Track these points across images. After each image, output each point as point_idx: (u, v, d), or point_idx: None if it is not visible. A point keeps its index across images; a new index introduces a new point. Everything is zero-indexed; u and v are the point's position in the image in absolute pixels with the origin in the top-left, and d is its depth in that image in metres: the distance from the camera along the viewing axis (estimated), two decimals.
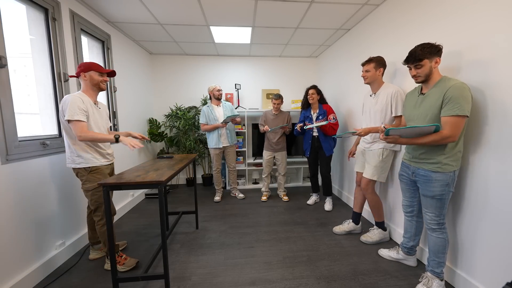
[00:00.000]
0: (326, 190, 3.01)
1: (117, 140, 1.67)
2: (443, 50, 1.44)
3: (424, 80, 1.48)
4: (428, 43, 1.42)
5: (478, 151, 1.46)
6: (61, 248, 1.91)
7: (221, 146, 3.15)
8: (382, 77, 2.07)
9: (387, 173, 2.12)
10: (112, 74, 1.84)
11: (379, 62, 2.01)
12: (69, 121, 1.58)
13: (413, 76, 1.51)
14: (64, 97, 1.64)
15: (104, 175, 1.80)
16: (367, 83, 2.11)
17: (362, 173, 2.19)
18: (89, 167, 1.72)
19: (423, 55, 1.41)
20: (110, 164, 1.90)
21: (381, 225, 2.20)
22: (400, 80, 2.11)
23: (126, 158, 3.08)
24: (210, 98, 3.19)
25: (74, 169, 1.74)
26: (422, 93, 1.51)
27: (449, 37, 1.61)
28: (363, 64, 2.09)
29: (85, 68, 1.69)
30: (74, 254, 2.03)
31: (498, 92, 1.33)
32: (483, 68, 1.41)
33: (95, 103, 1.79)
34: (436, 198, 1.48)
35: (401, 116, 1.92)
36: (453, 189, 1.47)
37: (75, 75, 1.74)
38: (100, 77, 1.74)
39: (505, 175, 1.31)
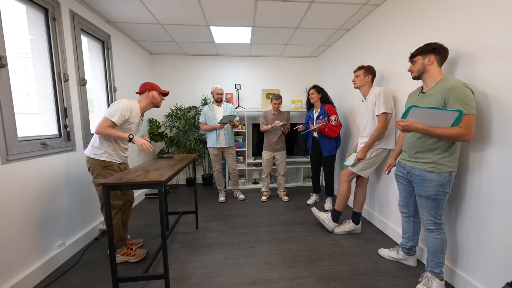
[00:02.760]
0: (328, 190, 3.02)
1: (130, 139, 1.77)
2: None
3: (418, 76, 1.53)
4: (430, 42, 1.47)
5: (479, 151, 1.45)
6: (61, 248, 1.90)
7: (219, 146, 3.15)
8: (372, 83, 2.22)
9: (370, 170, 2.22)
10: (166, 94, 2.05)
11: (368, 70, 2.18)
12: (105, 117, 1.71)
13: (409, 71, 1.57)
14: (121, 99, 1.82)
15: (117, 172, 1.86)
16: (356, 87, 2.25)
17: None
18: (104, 161, 1.80)
19: (417, 51, 1.50)
20: (123, 163, 1.98)
21: (355, 217, 2.35)
22: (398, 81, 2.11)
23: None
24: (213, 98, 3.19)
25: (88, 160, 1.81)
26: (423, 92, 1.52)
27: (449, 36, 1.61)
28: (354, 71, 2.25)
29: (150, 88, 1.95)
30: (74, 254, 2.03)
31: (499, 91, 1.33)
32: (482, 66, 1.41)
33: (141, 115, 1.98)
34: (431, 199, 1.48)
35: (386, 114, 2.03)
36: (449, 190, 1.46)
37: (139, 92, 1.96)
38: (160, 96, 1.99)
39: (506, 176, 1.31)
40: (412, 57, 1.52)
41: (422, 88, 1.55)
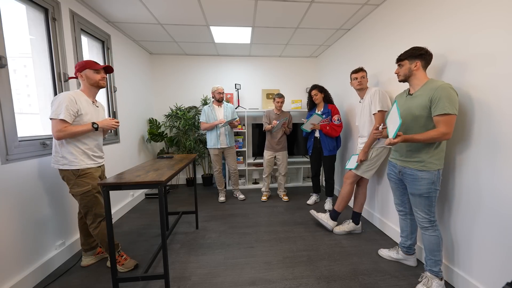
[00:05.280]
0: (328, 190, 3.02)
1: (96, 128, 1.64)
2: (437, 51, 1.51)
3: (404, 80, 1.58)
4: (416, 47, 1.52)
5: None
6: (61, 248, 1.90)
7: (220, 147, 3.15)
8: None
9: (373, 171, 2.23)
10: (108, 69, 1.77)
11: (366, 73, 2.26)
12: (51, 119, 1.53)
13: (396, 74, 1.61)
14: (60, 93, 1.61)
15: (94, 178, 1.71)
16: (360, 88, 2.25)
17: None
18: (77, 170, 1.64)
19: (404, 55, 1.54)
20: (99, 166, 1.81)
21: (355, 217, 2.36)
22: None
23: (126, 158, 3.08)
24: (214, 98, 3.19)
25: (60, 171, 1.65)
26: (410, 94, 1.58)
27: (450, 37, 1.61)
28: (357, 71, 2.23)
29: (80, 67, 1.66)
30: (74, 254, 2.03)
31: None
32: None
33: (93, 102, 1.75)
34: (424, 196, 1.52)
35: (382, 112, 2.05)
36: (439, 187, 1.51)
37: (74, 76, 1.72)
38: (97, 74, 1.70)
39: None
40: (400, 60, 1.57)
41: (409, 90, 1.61)
